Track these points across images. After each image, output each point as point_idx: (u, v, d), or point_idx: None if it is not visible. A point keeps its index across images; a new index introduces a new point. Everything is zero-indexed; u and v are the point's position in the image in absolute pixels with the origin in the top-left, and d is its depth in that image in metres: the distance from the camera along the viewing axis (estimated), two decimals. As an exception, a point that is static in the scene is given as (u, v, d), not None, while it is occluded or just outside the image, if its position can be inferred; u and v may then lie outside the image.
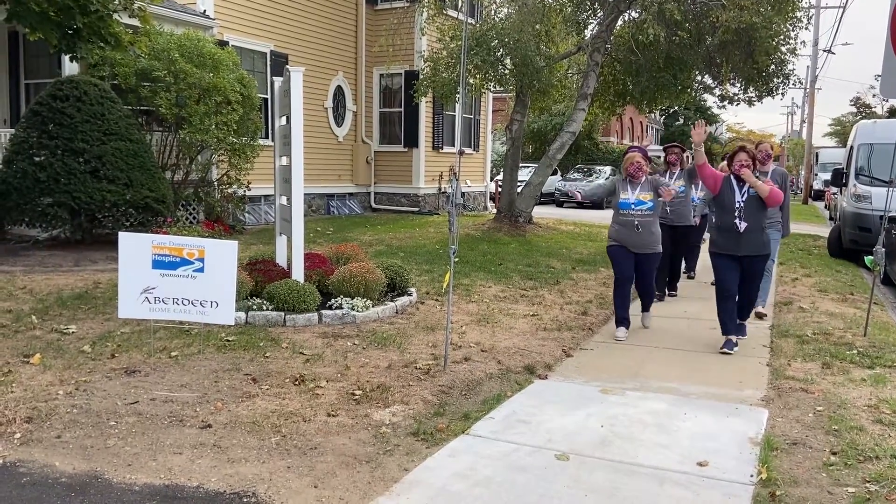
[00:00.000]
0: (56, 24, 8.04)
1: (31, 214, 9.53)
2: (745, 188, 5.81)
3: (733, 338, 6.05)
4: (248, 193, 13.12)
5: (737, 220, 5.79)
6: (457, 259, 6.86)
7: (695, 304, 7.93)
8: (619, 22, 14.20)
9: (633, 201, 6.34)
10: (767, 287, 7.39)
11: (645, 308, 6.87)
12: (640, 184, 6.36)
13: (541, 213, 17.71)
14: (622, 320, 6.50)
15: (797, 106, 57.65)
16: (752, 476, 3.57)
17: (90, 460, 3.61)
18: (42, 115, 9.57)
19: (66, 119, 9.48)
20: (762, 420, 4.37)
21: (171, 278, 5.27)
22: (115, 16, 8.76)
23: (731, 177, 5.90)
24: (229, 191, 12.75)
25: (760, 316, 7.17)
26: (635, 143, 9.19)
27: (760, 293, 6.96)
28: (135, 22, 10.03)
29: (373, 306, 6.75)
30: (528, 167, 21.36)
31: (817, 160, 33.52)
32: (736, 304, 6.07)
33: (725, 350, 5.95)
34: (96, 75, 10.46)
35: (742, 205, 5.81)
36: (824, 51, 34.10)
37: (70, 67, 10.91)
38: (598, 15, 14.30)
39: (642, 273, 6.54)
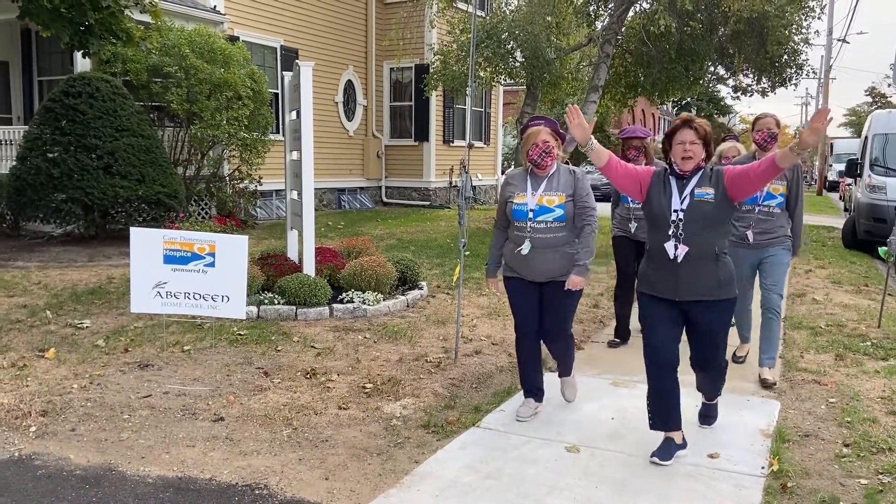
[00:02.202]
0: (68, 21, 8.11)
1: (46, 210, 9.63)
2: (689, 188, 3.53)
3: (678, 435, 3.68)
4: (259, 188, 13.19)
5: (670, 243, 3.53)
6: (467, 252, 6.87)
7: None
8: (630, 13, 14.11)
9: (535, 207, 3.97)
10: (775, 336, 4.98)
11: (563, 371, 4.41)
12: (546, 178, 4.02)
13: (552, 205, 17.62)
14: (529, 390, 4.28)
15: (811, 96, 57.11)
16: (763, 468, 3.56)
17: (104, 453, 3.65)
18: (55, 111, 9.65)
19: (78, 115, 9.55)
20: (774, 412, 4.35)
21: (182, 273, 5.31)
22: (127, 12, 8.82)
23: (666, 171, 3.65)
24: (241, 186, 12.81)
25: (766, 384, 4.81)
26: (540, 115, 5.61)
27: (767, 345, 4.93)
28: (146, 18, 10.09)
29: (384, 300, 6.77)
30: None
31: (832, 151, 33.21)
32: (678, 384, 3.68)
33: (656, 459, 3.61)
34: (108, 72, 10.53)
35: (681, 216, 3.50)
36: (838, 40, 33.76)
37: (82, 64, 10.98)
38: (609, 6, 14.21)
39: (549, 314, 4.12)
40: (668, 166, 3.67)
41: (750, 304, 5.18)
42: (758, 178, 3.46)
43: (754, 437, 3.96)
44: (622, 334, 5.88)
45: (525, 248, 3.97)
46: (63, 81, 10.07)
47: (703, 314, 3.61)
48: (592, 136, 3.58)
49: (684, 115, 3.53)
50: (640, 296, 3.77)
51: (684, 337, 3.74)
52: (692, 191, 3.53)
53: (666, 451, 3.63)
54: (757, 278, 5.14)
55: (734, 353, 5.20)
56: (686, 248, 3.50)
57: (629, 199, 5.73)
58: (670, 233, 3.53)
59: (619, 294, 5.92)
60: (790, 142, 4.45)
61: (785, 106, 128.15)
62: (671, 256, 3.52)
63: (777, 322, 4.99)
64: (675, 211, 3.53)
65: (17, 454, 3.62)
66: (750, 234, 4.94)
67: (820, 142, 4.48)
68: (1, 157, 11.61)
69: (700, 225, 3.50)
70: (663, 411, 3.66)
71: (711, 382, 3.96)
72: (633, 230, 5.73)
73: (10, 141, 11.42)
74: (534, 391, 4.28)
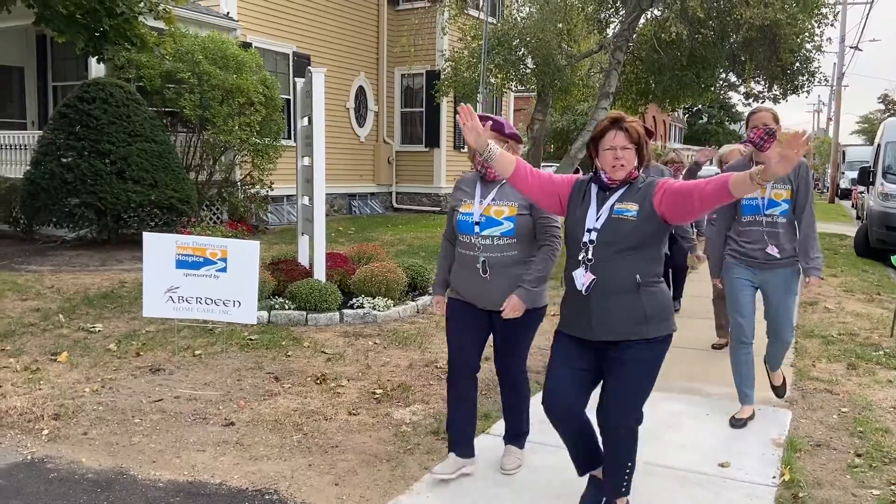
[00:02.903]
0: (83, 27, 8.18)
1: (59, 215, 9.71)
2: (610, 202, 2.88)
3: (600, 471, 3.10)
4: (270, 194, 13.24)
5: (579, 270, 2.87)
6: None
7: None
8: (642, 20, 14.11)
9: (480, 219, 3.36)
10: (782, 354, 4.46)
11: (512, 433, 3.69)
12: (499, 185, 3.38)
13: (562, 212, 17.62)
14: (456, 442, 3.55)
15: (823, 104, 56.87)
16: (774, 477, 3.54)
17: (116, 457, 3.67)
18: (69, 116, 9.74)
19: (92, 121, 9.64)
20: (786, 421, 4.32)
21: (194, 278, 5.34)
22: (141, 18, 8.89)
23: (589, 181, 2.98)
24: (252, 191, 12.88)
25: (779, 392, 4.58)
26: (490, 114, 3.77)
27: (774, 360, 4.45)
28: (160, 24, 10.18)
29: (394, 306, 6.78)
30: (550, 166, 21.33)
31: (844, 158, 33.02)
32: (584, 430, 3.05)
33: None
34: (122, 78, 10.63)
35: (593, 236, 2.86)
36: (851, 47, 33.60)
37: (96, 70, 11.09)
38: (621, 13, 14.22)
39: (501, 347, 3.56)
40: (593, 174, 2.97)
41: (750, 348, 4.25)
42: (703, 202, 2.71)
43: (766, 446, 3.93)
44: None
45: (480, 269, 3.33)
46: (77, 87, 10.17)
47: (621, 355, 2.87)
48: (492, 141, 2.95)
49: (613, 113, 2.92)
50: (554, 335, 3.07)
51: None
52: (612, 206, 2.87)
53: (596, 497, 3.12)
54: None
55: (733, 416, 4.28)
56: (592, 278, 2.83)
57: None
58: (580, 257, 2.86)
59: None
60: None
61: (797, 113, 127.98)
62: (581, 288, 2.85)
63: (789, 345, 4.42)
64: (589, 230, 2.87)
65: (29, 457, 3.65)
66: (774, 249, 4.16)
67: (793, 163, 2.55)
68: (15, 162, 11.74)
69: (615, 248, 2.81)
70: (575, 457, 3.13)
71: (615, 453, 2.94)
72: None
73: (25, 146, 11.53)
74: (462, 444, 3.53)
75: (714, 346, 5.99)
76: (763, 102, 14.62)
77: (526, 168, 2.97)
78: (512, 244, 3.34)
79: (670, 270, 7.05)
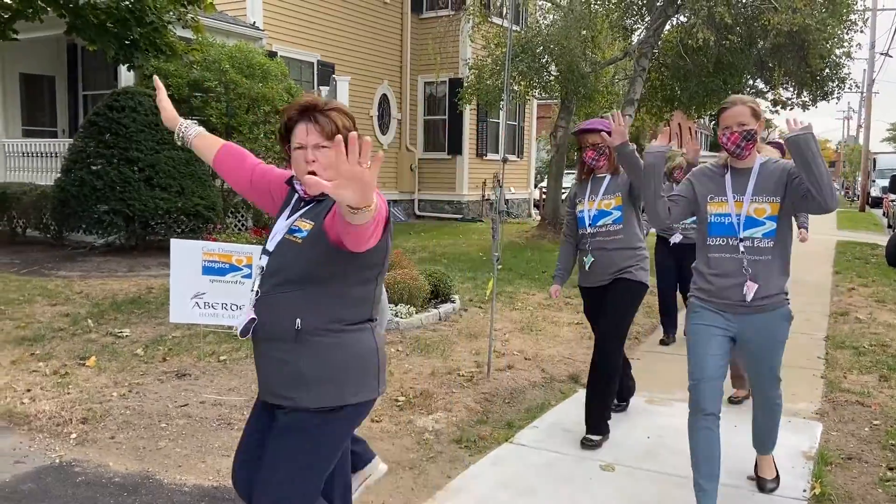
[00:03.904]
0: (113, 36, 8.32)
1: (88, 221, 9.86)
2: (295, 216, 2.18)
3: None
4: (295, 201, 13.33)
5: (247, 306, 2.21)
6: (500, 266, 6.88)
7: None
8: (667, 27, 14.04)
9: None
10: (775, 425, 3.41)
11: None
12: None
13: (586, 220, 17.52)
14: None
15: (853, 110, 56.02)
16: (805, 491, 3.47)
17: (142, 461, 3.70)
18: (99, 125, 9.90)
19: (121, 129, 9.79)
20: (816, 434, 4.24)
21: (220, 284, 5.38)
22: (170, 27, 9.03)
23: (294, 180, 2.23)
24: (277, 198, 12.98)
25: (765, 485, 3.45)
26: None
27: (765, 436, 3.43)
28: (188, 34, 10.33)
29: (416, 313, 6.77)
30: (574, 174, 21.29)
31: (875, 166, 32.50)
32: None
33: None
34: (151, 86, 10.77)
35: (266, 261, 2.18)
36: (881, 54, 33.09)
37: (126, 79, 11.27)
38: (646, 20, 14.16)
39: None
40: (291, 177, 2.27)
41: (714, 421, 3.13)
42: (341, 227, 1.90)
43: (796, 458, 3.86)
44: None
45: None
46: (107, 96, 10.34)
47: (277, 429, 2.17)
48: (189, 120, 2.36)
49: (305, 97, 2.16)
50: None
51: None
52: (294, 221, 2.16)
53: None
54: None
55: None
56: (252, 317, 2.15)
57: (586, 218, 4.11)
58: (254, 288, 2.18)
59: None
60: (830, 157, 3.53)
61: (826, 120, 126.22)
62: (249, 334, 2.17)
63: (779, 409, 3.34)
64: (265, 253, 2.19)
65: (57, 461, 3.69)
66: (749, 288, 2.98)
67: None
68: (46, 170, 11.96)
69: (276, 280, 2.11)
70: None
71: None
72: (586, 265, 4.11)
73: (56, 153, 11.75)
74: None
75: (731, 400, 4.67)
76: (791, 109, 14.47)
77: (233, 153, 2.30)
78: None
79: (677, 297, 6.47)
